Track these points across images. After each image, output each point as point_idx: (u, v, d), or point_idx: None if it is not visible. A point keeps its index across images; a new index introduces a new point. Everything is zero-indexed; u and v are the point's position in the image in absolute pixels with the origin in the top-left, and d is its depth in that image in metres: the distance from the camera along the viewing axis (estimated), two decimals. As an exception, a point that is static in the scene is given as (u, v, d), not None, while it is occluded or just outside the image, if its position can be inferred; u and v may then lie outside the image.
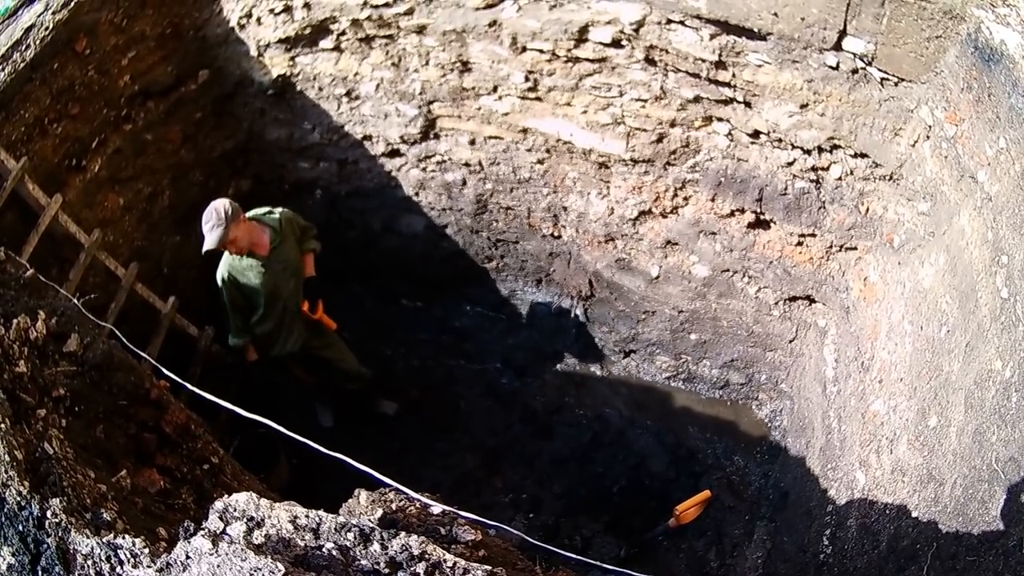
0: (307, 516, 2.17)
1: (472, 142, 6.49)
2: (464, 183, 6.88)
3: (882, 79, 4.33)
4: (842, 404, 5.23)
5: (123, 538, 2.05)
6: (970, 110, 3.83)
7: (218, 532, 2.07)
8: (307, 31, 6.05)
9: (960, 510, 3.36)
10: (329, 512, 2.27)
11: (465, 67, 5.92)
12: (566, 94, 5.75)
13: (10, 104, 4.86)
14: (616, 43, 5.22)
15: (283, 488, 5.68)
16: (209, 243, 5.18)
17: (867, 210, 5.07)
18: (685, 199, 6.01)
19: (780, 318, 6.22)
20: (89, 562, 2.03)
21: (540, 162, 6.39)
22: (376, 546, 2.12)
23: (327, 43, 6.15)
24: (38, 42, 4.93)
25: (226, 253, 5.50)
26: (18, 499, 2.12)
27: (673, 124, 5.53)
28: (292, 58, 6.30)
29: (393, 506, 2.65)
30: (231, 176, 7.15)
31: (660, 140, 5.67)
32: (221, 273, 5.57)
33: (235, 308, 5.77)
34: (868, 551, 4.18)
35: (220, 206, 5.18)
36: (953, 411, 3.63)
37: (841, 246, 5.41)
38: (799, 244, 5.65)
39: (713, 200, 5.80)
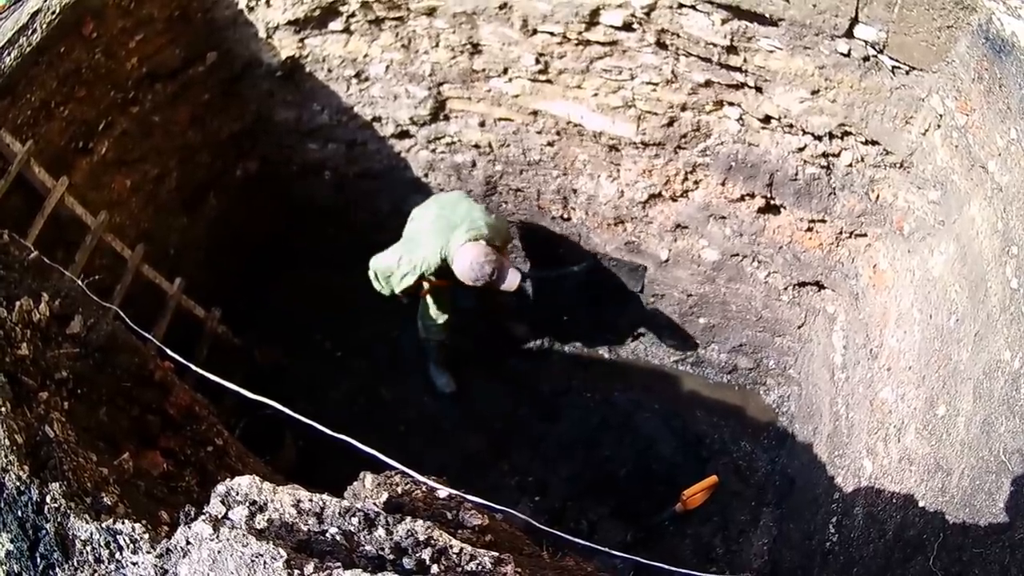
0: (311, 500, 2.16)
1: (482, 124, 6.46)
2: (474, 165, 6.86)
3: (893, 67, 4.29)
4: (850, 391, 5.22)
5: (123, 523, 2.05)
6: (981, 100, 3.79)
7: (220, 517, 2.06)
8: (316, 13, 6.01)
9: (967, 501, 3.35)
10: (334, 495, 2.26)
11: (475, 49, 5.88)
12: (577, 77, 5.71)
13: (16, 88, 4.83)
14: (627, 27, 5.18)
15: (289, 471, 5.70)
16: (517, 277, 5.94)
17: (877, 197, 5.04)
18: (695, 183, 5.98)
19: (789, 303, 6.21)
20: (88, 548, 2.03)
21: (550, 144, 6.36)
22: (381, 531, 2.11)
23: (336, 25, 6.11)
24: (44, 26, 4.90)
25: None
26: (17, 484, 2.11)
27: (684, 108, 5.50)
28: (301, 40, 6.26)
29: (399, 489, 2.64)
30: (238, 158, 7.12)
31: (671, 124, 5.63)
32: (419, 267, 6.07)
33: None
34: (874, 540, 4.18)
35: (489, 254, 5.84)
36: (961, 401, 3.62)
37: (851, 233, 5.39)
38: (809, 230, 5.62)
39: (723, 184, 5.77)
